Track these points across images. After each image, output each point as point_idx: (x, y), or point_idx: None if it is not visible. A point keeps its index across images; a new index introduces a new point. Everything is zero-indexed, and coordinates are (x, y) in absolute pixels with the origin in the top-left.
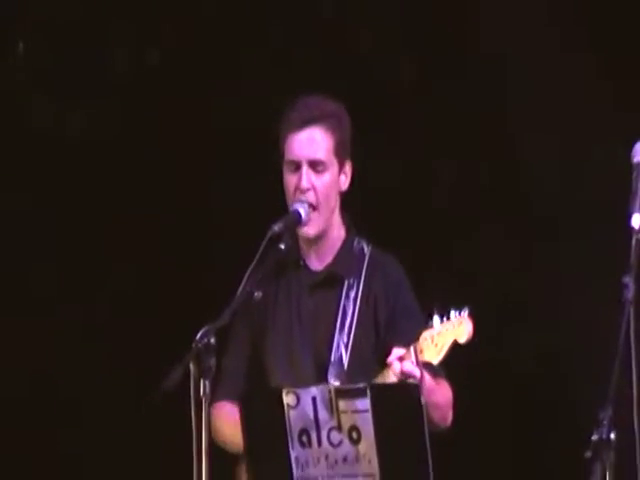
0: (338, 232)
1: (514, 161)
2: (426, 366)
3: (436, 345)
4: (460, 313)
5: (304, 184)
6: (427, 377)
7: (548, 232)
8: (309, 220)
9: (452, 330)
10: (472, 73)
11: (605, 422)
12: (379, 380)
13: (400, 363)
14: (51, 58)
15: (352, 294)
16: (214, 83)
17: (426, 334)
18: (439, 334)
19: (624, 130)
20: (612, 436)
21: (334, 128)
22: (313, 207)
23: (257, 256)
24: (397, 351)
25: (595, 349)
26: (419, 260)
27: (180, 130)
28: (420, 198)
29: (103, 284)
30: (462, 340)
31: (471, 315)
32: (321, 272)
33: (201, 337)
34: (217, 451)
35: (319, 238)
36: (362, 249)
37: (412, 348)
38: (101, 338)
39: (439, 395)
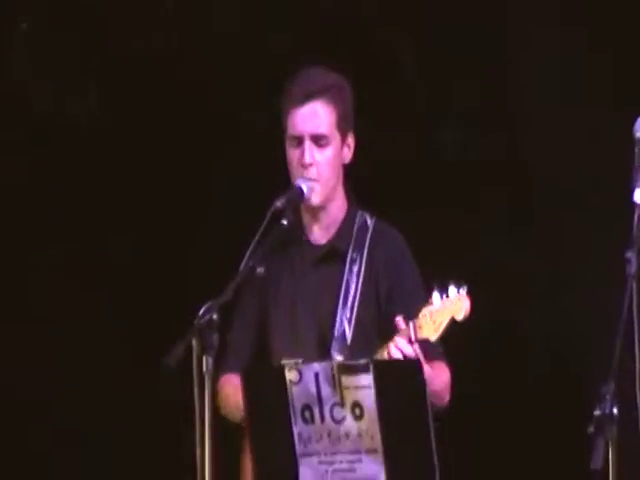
0: (341, 205)
1: (516, 139)
2: (425, 345)
3: (434, 322)
4: (459, 290)
5: (307, 159)
6: (426, 367)
7: (552, 209)
8: (312, 192)
9: (450, 307)
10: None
11: (607, 397)
12: (379, 356)
13: (400, 352)
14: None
15: (355, 268)
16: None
17: (425, 311)
18: (438, 311)
19: (628, 106)
20: (615, 411)
21: (336, 101)
22: (316, 180)
23: (259, 232)
24: (399, 337)
25: (599, 325)
26: (420, 236)
27: (179, 116)
28: (421, 171)
29: (104, 264)
30: (459, 317)
31: (469, 292)
32: (324, 246)
33: (203, 313)
34: (223, 436)
35: (322, 209)
36: (365, 222)
37: (411, 324)
38: (104, 314)
39: (436, 383)
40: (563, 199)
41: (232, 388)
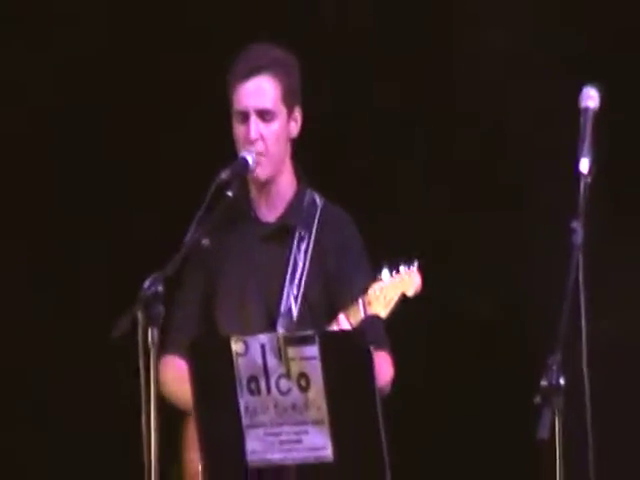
0: (289, 181)
1: (466, 115)
2: (370, 332)
3: (385, 298)
4: (409, 267)
5: (252, 134)
6: None
7: (498, 178)
8: (258, 165)
9: (400, 283)
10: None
11: (554, 367)
12: None
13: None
14: None
15: (303, 246)
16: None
17: (375, 287)
18: (387, 287)
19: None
20: (561, 381)
21: (281, 75)
22: (262, 155)
23: (204, 204)
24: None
25: (548, 296)
26: (369, 212)
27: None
28: (371, 147)
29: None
30: (410, 293)
31: (420, 268)
32: (272, 223)
33: (149, 285)
34: (169, 407)
35: (269, 185)
36: (314, 201)
37: (360, 301)
38: (49, 283)
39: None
40: (511, 159)
41: (171, 374)
